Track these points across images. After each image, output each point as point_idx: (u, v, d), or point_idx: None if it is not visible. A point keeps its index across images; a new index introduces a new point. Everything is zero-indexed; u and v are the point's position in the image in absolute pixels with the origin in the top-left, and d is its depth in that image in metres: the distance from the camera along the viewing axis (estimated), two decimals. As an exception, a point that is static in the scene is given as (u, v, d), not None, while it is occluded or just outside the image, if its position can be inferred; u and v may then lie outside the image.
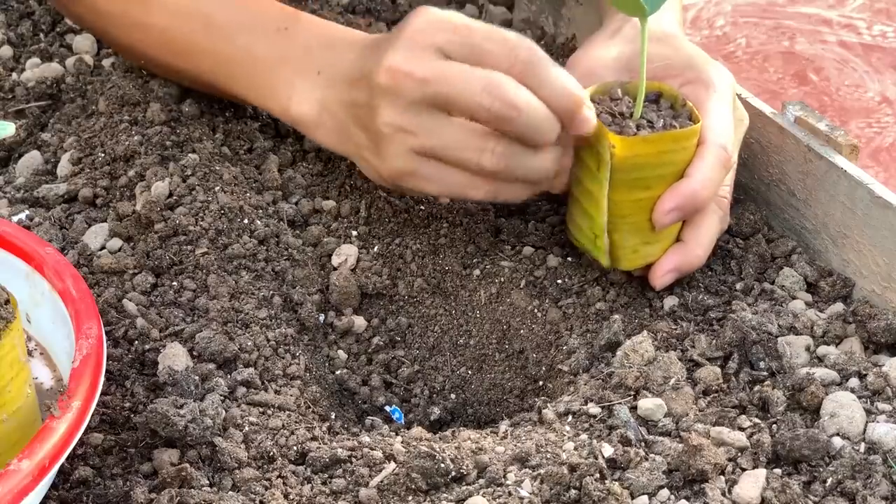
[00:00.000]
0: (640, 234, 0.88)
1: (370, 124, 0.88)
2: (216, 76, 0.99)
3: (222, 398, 0.82)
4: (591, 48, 0.95)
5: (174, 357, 0.84)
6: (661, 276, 0.89)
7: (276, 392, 0.85)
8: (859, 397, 0.80)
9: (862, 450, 0.77)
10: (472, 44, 0.85)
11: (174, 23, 0.99)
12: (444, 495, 0.75)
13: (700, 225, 0.90)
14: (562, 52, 1.16)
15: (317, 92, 0.93)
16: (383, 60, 0.86)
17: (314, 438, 0.80)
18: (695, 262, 0.90)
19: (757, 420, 0.80)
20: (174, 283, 0.91)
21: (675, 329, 0.89)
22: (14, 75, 1.14)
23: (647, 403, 0.80)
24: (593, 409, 0.81)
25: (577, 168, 0.89)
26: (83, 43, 1.17)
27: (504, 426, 0.82)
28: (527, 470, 0.76)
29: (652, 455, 0.76)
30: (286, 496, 0.76)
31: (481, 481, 0.75)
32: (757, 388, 0.82)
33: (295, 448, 0.79)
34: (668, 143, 0.85)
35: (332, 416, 0.87)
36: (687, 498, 0.74)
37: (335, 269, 0.97)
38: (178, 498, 0.74)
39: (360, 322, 0.96)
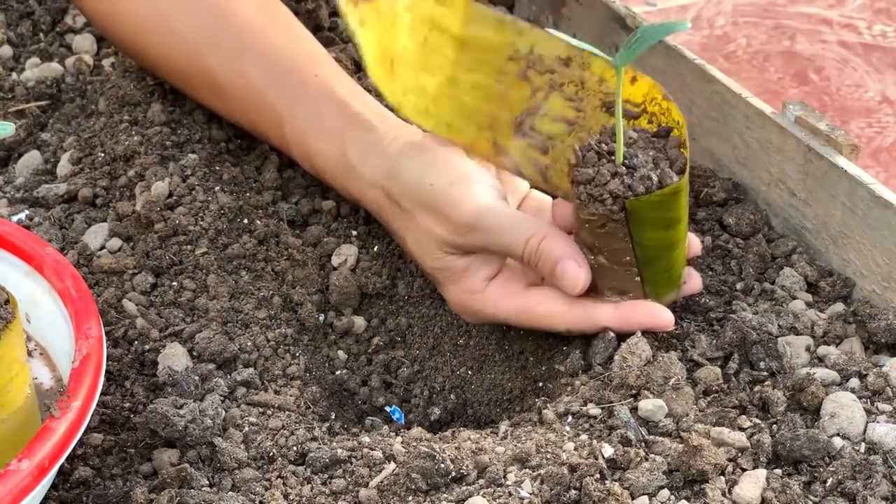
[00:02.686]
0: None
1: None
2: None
3: (222, 398, 0.82)
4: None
5: (174, 357, 0.84)
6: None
7: (276, 392, 0.85)
8: (860, 397, 0.80)
9: (862, 450, 0.77)
10: None
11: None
12: (444, 496, 0.74)
13: None
14: (562, 51, 1.16)
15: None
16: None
17: (314, 439, 0.80)
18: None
19: (757, 420, 0.80)
20: (174, 283, 0.91)
21: (675, 329, 0.89)
22: (14, 75, 1.14)
23: (648, 404, 0.80)
24: (593, 409, 0.81)
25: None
26: (83, 43, 1.17)
27: (504, 426, 0.82)
28: (527, 470, 0.76)
29: (652, 455, 0.76)
30: (286, 496, 0.76)
31: (481, 481, 0.75)
32: (757, 388, 0.82)
33: (295, 448, 0.79)
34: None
35: (332, 417, 0.87)
36: (687, 498, 0.74)
37: (335, 269, 0.97)
38: (178, 498, 0.74)
39: (359, 322, 0.96)
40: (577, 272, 0.84)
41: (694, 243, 0.90)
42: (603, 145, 0.83)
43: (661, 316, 0.86)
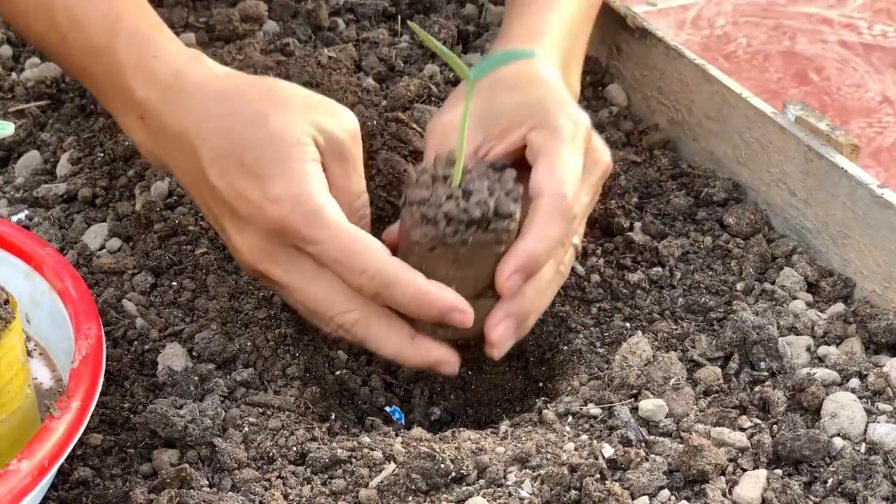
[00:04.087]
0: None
1: (223, 223, 0.82)
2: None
3: (222, 398, 0.82)
4: (444, 113, 0.89)
5: (173, 357, 0.84)
6: (493, 327, 0.82)
7: (276, 392, 0.84)
8: (860, 398, 0.80)
9: (863, 450, 0.77)
10: (321, 263, 0.79)
11: None
12: (444, 496, 0.74)
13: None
14: (562, 51, 1.16)
15: (151, 144, 0.86)
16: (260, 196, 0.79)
17: (314, 439, 0.80)
18: (525, 309, 0.82)
19: (757, 420, 0.80)
20: (174, 283, 0.91)
21: (676, 329, 0.89)
22: (14, 75, 1.14)
23: (648, 404, 0.80)
24: (594, 409, 0.81)
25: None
26: (83, 43, 1.17)
27: (504, 426, 0.82)
28: (527, 470, 0.76)
29: (652, 455, 0.76)
30: (286, 497, 0.76)
31: (481, 482, 0.75)
32: (757, 388, 0.82)
33: (295, 448, 0.79)
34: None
35: (332, 417, 0.87)
36: (687, 498, 0.74)
37: (335, 269, 0.96)
38: (178, 498, 0.74)
39: (360, 322, 0.96)
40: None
41: (525, 307, 0.83)
42: (439, 169, 0.81)
43: (442, 361, 0.81)
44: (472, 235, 0.78)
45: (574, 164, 0.83)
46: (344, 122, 0.82)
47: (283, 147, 0.79)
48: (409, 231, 0.79)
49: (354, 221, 0.80)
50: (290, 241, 0.79)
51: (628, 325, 0.91)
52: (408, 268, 0.78)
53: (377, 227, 0.98)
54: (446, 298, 0.78)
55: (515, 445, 0.78)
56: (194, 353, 0.85)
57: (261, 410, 0.82)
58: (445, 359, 0.82)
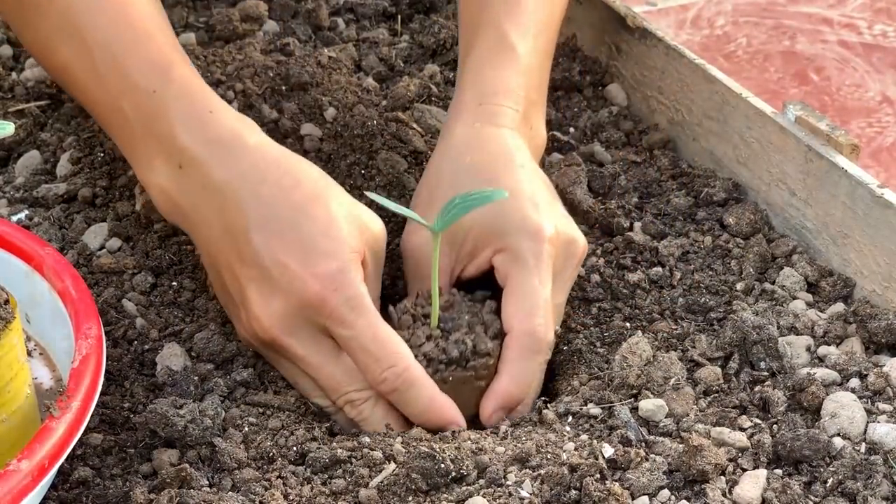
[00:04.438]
0: None
1: (247, 289, 0.82)
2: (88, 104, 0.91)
3: (221, 398, 0.82)
4: (414, 232, 0.89)
5: (172, 357, 0.84)
6: (488, 417, 0.84)
7: (276, 392, 0.84)
8: (860, 397, 0.80)
9: (863, 450, 0.77)
10: (346, 347, 0.81)
11: (55, 36, 0.89)
12: (444, 496, 0.74)
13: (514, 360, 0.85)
14: (562, 51, 1.16)
15: (180, 196, 0.85)
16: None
17: (314, 439, 0.80)
18: (514, 394, 0.84)
19: (757, 420, 0.80)
20: (174, 283, 0.91)
21: (676, 329, 0.89)
22: (14, 75, 1.14)
23: (648, 404, 0.80)
24: (594, 409, 0.81)
25: None
26: (83, 43, 1.17)
27: (504, 426, 0.82)
28: (527, 470, 0.76)
29: (652, 455, 0.76)
30: (286, 496, 0.75)
31: (481, 482, 0.75)
32: (757, 388, 0.82)
33: (295, 448, 0.79)
34: None
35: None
36: (687, 498, 0.74)
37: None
38: (178, 498, 0.74)
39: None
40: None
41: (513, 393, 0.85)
42: (419, 308, 0.85)
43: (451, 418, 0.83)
44: (452, 374, 0.83)
45: (541, 289, 0.85)
46: (381, 227, 0.85)
47: (339, 232, 0.81)
48: None
49: None
50: (321, 320, 0.81)
51: (628, 325, 0.91)
52: (427, 375, 0.81)
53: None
54: (453, 414, 0.82)
55: (515, 445, 0.78)
56: (194, 353, 0.85)
57: (261, 410, 0.82)
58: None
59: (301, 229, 0.81)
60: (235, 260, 0.82)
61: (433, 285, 0.83)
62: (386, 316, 0.84)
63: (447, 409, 0.82)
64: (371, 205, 0.85)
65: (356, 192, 0.99)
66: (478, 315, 0.85)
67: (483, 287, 0.89)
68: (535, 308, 0.84)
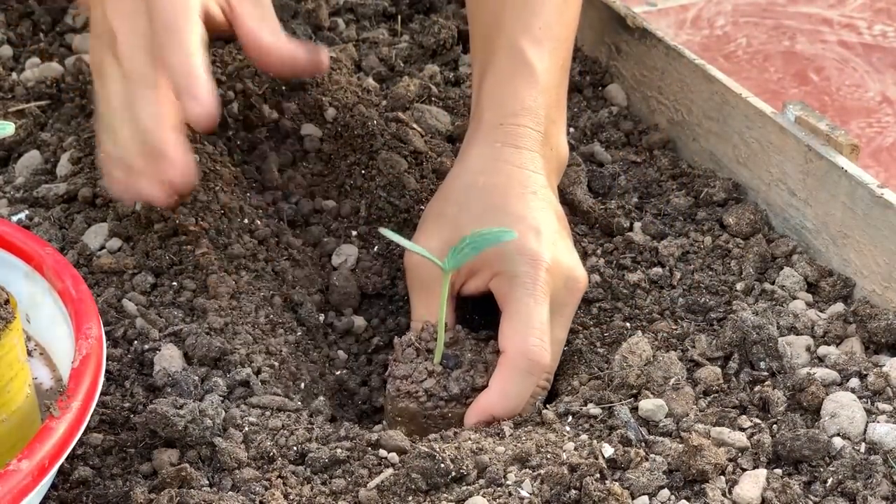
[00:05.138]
0: None
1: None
2: None
3: (221, 398, 0.82)
4: (419, 243, 0.88)
5: (170, 358, 0.84)
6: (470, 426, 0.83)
7: (276, 392, 0.84)
8: (860, 397, 0.80)
9: (862, 450, 0.77)
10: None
11: None
12: (444, 495, 0.74)
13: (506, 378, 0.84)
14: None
15: None
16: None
17: (314, 439, 0.80)
18: (497, 410, 0.83)
19: (757, 420, 0.80)
20: (174, 284, 0.91)
21: (676, 329, 0.89)
22: (14, 75, 1.14)
23: (648, 404, 0.80)
24: (593, 409, 0.81)
25: None
26: (83, 43, 1.17)
27: (504, 426, 0.82)
28: (527, 470, 0.76)
29: (652, 455, 0.76)
30: (286, 496, 0.76)
31: (481, 481, 0.75)
32: (757, 388, 0.82)
33: (295, 448, 0.79)
34: None
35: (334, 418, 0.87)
36: (687, 498, 0.74)
37: (335, 269, 0.96)
38: (178, 498, 0.74)
39: (360, 322, 0.96)
40: None
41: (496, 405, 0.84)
42: (423, 343, 0.85)
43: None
44: (452, 410, 0.84)
45: (537, 314, 0.84)
46: None
47: None
48: (393, 400, 0.84)
49: None
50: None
51: (628, 324, 0.91)
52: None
53: (377, 226, 0.98)
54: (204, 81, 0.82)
55: (515, 445, 0.78)
56: (194, 353, 0.85)
57: (261, 410, 0.82)
58: None
59: None
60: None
61: (440, 322, 0.83)
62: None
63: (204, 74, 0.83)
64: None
65: (357, 191, 1.00)
66: (481, 354, 0.86)
67: (488, 308, 0.89)
68: (531, 329, 0.84)
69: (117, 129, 0.86)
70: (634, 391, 0.82)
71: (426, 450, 0.75)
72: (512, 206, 0.88)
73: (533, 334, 0.83)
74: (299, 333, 0.92)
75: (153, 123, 0.84)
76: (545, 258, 0.85)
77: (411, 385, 0.84)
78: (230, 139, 1.03)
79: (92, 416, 0.73)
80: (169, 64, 0.83)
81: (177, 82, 0.83)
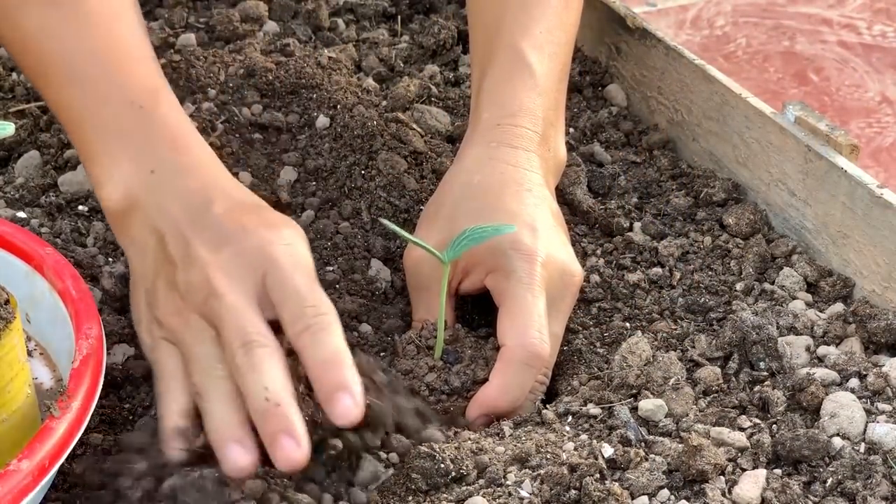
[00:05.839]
0: None
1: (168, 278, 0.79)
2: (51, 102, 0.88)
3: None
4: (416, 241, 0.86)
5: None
6: (471, 423, 0.83)
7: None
8: (859, 397, 0.80)
9: (862, 450, 0.77)
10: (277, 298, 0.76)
11: (36, 35, 0.86)
12: (444, 495, 0.74)
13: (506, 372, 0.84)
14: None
15: (142, 196, 0.82)
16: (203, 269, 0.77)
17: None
18: (498, 403, 0.83)
19: (757, 420, 0.80)
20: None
21: (675, 329, 0.89)
22: (14, 75, 1.14)
23: (648, 404, 0.80)
24: (593, 409, 0.81)
25: None
26: (83, 43, 1.17)
27: (504, 426, 0.82)
28: (527, 470, 0.76)
29: (652, 455, 0.76)
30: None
31: (481, 481, 0.75)
32: (757, 388, 0.82)
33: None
34: None
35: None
36: (687, 498, 0.74)
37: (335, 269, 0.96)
38: (178, 498, 0.73)
39: (360, 324, 0.96)
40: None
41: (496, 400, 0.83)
42: (423, 340, 0.86)
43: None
44: (453, 403, 0.84)
45: (535, 307, 0.84)
46: None
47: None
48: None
49: None
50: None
51: (628, 325, 0.91)
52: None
53: (377, 226, 0.98)
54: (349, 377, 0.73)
55: (515, 445, 0.78)
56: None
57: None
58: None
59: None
60: (192, 230, 0.79)
61: (439, 317, 0.84)
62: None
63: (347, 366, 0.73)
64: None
65: (357, 192, 1.00)
66: (481, 350, 0.86)
67: (486, 307, 0.89)
68: (529, 322, 0.84)
69: (209, 392, 0.75)
70: (634, 391, 0.82)
71: (426, 450, 0.75)
72: (507, 203, 0.88)
73: (532, 327, 0.83)
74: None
75: (281, 386, 0.73)
76: (540, 253, 0.86)
77: (413, 380, 0.84)
78: (231, 143, 1.03)
79: (92, 416, 0.73)
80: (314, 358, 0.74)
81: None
